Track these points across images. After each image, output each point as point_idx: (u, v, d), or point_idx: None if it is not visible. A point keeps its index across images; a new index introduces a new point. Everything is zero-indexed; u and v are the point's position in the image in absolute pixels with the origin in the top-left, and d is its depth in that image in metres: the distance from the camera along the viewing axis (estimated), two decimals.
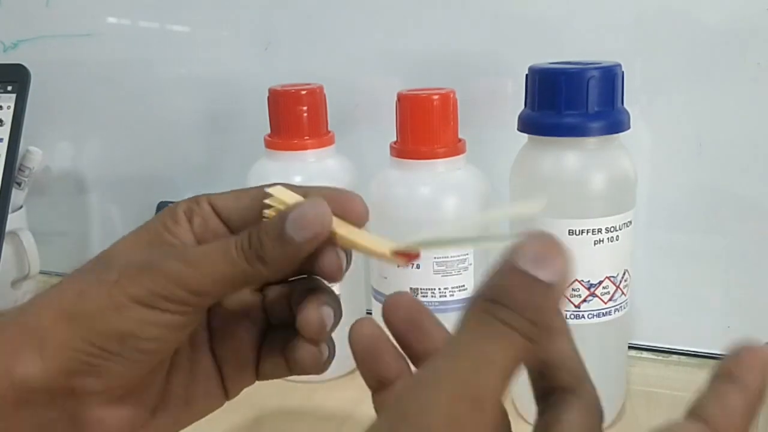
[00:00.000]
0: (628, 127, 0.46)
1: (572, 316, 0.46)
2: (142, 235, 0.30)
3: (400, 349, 0.27)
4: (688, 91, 0.55)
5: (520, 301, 0.20)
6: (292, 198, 0.28)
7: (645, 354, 0.60)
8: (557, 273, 0.20)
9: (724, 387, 0.22)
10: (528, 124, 0.47)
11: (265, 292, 0.32)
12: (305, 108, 0.54)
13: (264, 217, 0.29)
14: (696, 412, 0.23)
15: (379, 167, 0.52)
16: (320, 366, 0.30)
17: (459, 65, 0.59)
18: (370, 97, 0.63)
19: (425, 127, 0.49)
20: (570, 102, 0.44)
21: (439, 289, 0.49)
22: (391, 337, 0.27)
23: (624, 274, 0.47)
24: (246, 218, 0.30)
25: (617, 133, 0.45)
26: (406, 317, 0.27)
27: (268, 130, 0.55)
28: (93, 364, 0.27)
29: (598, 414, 0.24)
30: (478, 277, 0.50)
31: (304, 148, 0.54)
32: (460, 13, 0.59)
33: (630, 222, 0.46)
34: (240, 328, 0.31)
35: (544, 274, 0.20)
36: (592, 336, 0.47)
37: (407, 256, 0.27)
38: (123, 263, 0.28)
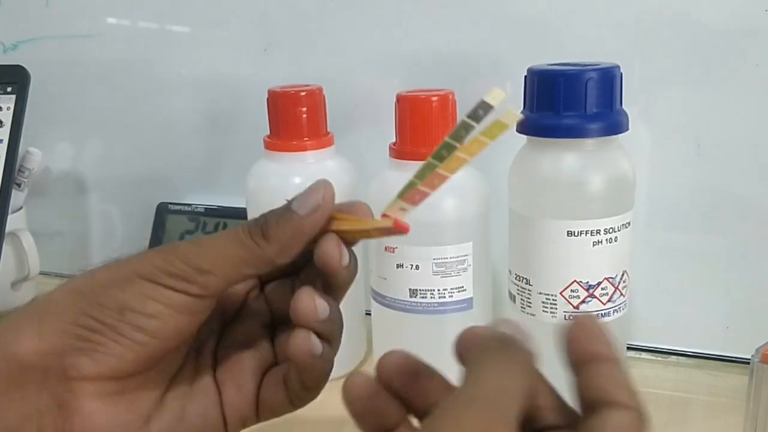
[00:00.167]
0: (627, 128, 0.46)
1: (571, 317, 0.46)
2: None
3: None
4: (687, 91, 0.55)
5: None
6: None
7: (644, 355, 0.60)
8: (527, 344, 0.25)
9: (596, 368, 0.25)
10: (527, 126, 0.47)
11: (276, 330, 0.33)
12: (304, 109, 0.54)
13: None
14: (603, 399, 0.24)
15: (379, 168, 0.52)
16: (313, 359, 0.29)
17: (458, 66, 0.59)
18: (370, 98, 0.64)
19: (424, 128, 0.49)
20: (569, 103, 0.44)
21: (438, 290, 0.49)
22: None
23: (623, 275, 0.47)
24: None
25: (616, 134, 0.45)
26: (401, 377, 0.27)
27: (268, 131, 0.56)
28: (89, 339, 0.27)
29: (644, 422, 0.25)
30: (477, 277, 0.50)
31: (304, 149, 0.54)
32: (459, 15, 0.59)
33: (629, 223, 0.46)
34: (245, 358, 0.32)
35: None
36: None
37: (396, 215, 0.28)
38: (137, 252, 0.29)
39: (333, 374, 0.30)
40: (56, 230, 0.78)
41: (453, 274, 0.49)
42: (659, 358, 0.59)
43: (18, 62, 0.62)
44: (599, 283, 0.46)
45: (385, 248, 0.50)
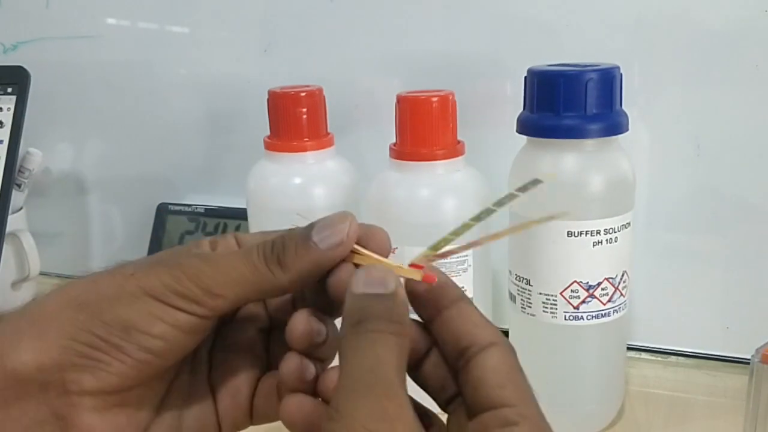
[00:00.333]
0: (627, 129, 0.46)
1: (571, 318, 0.46)
2: (164, 251, 0.30)
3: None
4: (687, 92, 0.55)
5: (375, 310, 0.25)
6: None
7: (644, 355, 0.60)
8: (388, 285, 0.25)
9: (448, 314, 0.27)
10: (527, 126, 0.47)
11: (271, 335, 0.32)
12: (305, 110, 0.54)
13: None
14: (469, 345, 0.26)
15: (379, 169, 0.53)
16: (304, 382, 0.28)
17: (458, 67, 0.60)
18: (370, 99, 0.64)
19: (424, 128, 0.49)
20: (569, 104, 0.44)
21: None
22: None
23: (623, 275, 0.47)
24: None
25: (616, 134, 0.45)
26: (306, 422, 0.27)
27: (268, 132, 0.56)
28: (91, 357, 0.26)
29: (515, 355, 0.26)
30: (477, 278, 0.50)
31: (304, 149, 0.54)
32: (459, 16, 0.59)
33: (629, 223, 0.46)
34: (239, 363, 0.31)
35: (374, 289, 0.25)
36: (591, 337, 0.47)
37: (423, 268, 0.27)
38: (141, 261, 0.28)
39: None
40: (56, 231, 0.79)
41: (453, 275, 0.49)
42: (659, 359, 0.59)
43: (18, 63, 0.62)
44: (599, 284, 0.46)
45: None
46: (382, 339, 0.24)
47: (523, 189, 0.27)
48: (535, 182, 0.27)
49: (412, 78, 0.61)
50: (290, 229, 0.28)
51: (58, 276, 0.77)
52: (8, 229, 0.61)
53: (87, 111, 0.76)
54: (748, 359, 0.44)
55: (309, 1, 0.63)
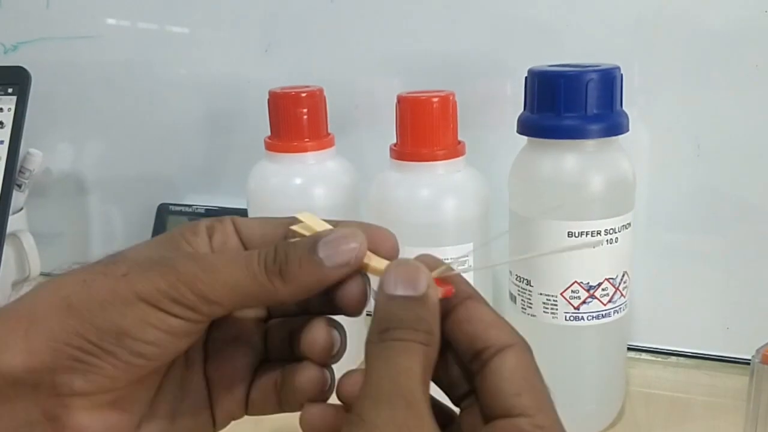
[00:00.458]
0: (627, 130, 0.46)
1: (571, 318, 0.46)
2: (159, 240, 0.29)
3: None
4: (687, 92, 0.55)
5: (403, 318, 0.24)
6: (321, 226, 0.27)
7: (644, 355, 0.60)
8: (418, 286, 0.25)
9: (464, 313, 0.26)
10: (527, 127, 0.47)
11: (268, 323, 0.31)
12: (305, 110, 0.54)
13: None
14: (487, 346, 0.25)
15: (379, 169, 0.53)
16: (324, 392, 0.29)
17: (458, 67, 0.60)
18: (370, 99, 0.64)
19: (425, 129, 0.49)
20: (569, 104, 0.44)
21: None
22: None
23: (623, 275, 0.47)
24: (268, 244, 0.28)
25: (616, 135, 0.45)
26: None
27: (269, 132, 0.56)
28: (83, 360, 0.25)
29: (531, 354, 0.26)
30: (478, 278, 0.50)
31: (304, 150, 0.54)
32: (459, 16, 0.59)
33: (629, 224, 0.46)
34: (236, 354, 0.30)
35: (406, 290, 0.25)
36: (591, 337, 0.47)
37: (444, 284, 0.26)
38: (134, 258, 0.27)
39: None
40: (57, 231, 0.79)
41: None
42: (659, 359, 0.59)
43: (19, 63, 0.62)
44: (600, 284, 0.46)
45: None
46: (409, 348, 0.24)
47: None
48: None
49: (412, 78, 0.61)
50: (294, 240, 0.27)
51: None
52: (9, 229, 0.61)
53: (87, 111, 0.76)
54: (749, 359, 0.44)
55: (309, 2, 0.63)
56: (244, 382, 0.30)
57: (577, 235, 0.45)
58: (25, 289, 0.68)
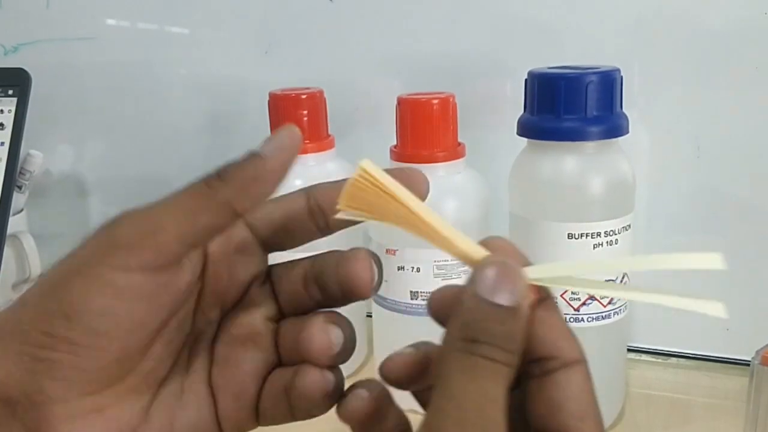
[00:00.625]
0: (627, 131, 0.46)
1: (571, 320, 0.46)
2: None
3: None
4: (687, 94, 0.55)
5: (495, 333, 0.22)
6: (383, 176, 0.24)
7: (644, 356, 0.60)
8: (517, 295, 0.22)
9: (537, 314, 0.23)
10: (527, 128, 0.47)
11: (280, 323, 0.29)
12: (305, 112, 0.54)
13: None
14: (553, 356, 0.23)
15: None
16: (326, 397, 0.27)
17: (459, 68, 0.60)
18: (370, 101, 0.64)
19: (425, 130, 0.49)
20: (569, 106, 0.44)
21: None
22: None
23: (623, 277, 0.47)
24: (275, 223, 0.28)
25: (616, 137, 0.46)
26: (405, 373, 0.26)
27: (269, 134, 0.55)
28: (43, 358, 0.23)
29: (591, 376, 0.24)
30: None
31: (305, 151, 0.54)
32: (459, 17, 0.59)
33: (629, 226, 0.46)
34: (245, 357, 0.28)
35: (505, 299, 0.22)
36: (591, 339, 0.47)
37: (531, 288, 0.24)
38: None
39: None
40: (57, 232, 0.78)
41: (454, 277, 0.49)
42: (659, 360, 0.60)
43: (19, 65, 0.62)
44: None
45: (386, 251, 0.50)
46: (497, 373, 0.22)
47: None
48: None
49: (412, 80, 0.61)
50: None
51: None
52: (9, 230, 0.61)
53: (87, 113, 0.76)
54: (749, 361, 0.44)
55: (310, 3, 0.63)
56: (253, 389, 0.28)
57: (577, 236, 0.45)
58: (26, 289, 0.68)
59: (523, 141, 0.48)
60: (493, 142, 0.58)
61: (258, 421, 0.28)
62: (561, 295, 0.46)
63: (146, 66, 0.71)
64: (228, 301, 0.28)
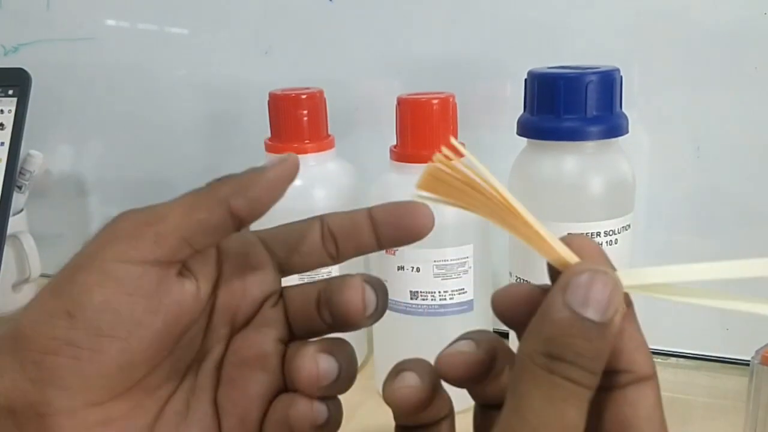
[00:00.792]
0: (627, 131, 0.46)
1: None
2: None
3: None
4: (686, 94, 0.55)
5: (583, 352, 0.20)
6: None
7: None
8: (610, 311, 0.20)
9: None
10: (527, 128, 0.47)
11: (289, 345, 0.28)
12: (305, 112, 0.54)
13: None
14: (628, 369, 0.22)
15: (379, 171, 0.53)
16: (316, 429, 0.26)
17: (458, 69, 0.60)
18: (370, 101, 0.64)
19: (425, 130, 0.49)
20: (569, 106, 0.44)
21: (439, 292, 0.49)
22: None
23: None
24: (291, 245, 0.28)
25: (616, 137, 0.46)
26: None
27: (269, 134, 0.56)
28: (47, 365, 0.23)
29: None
30: (478, 279, 0.50)
31: (305, 151, 0.54)
32: (459, 18, 0.59)
33: (629, 225, 0.46)
34: (252, 379, 0.27)
35: (598, 314, 0.20)
36: None
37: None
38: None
39: None
40: (57, 232, 0.78)
41: (453, 276, 0.49)
42: (659, 360, 0.59)
43: (19, 65, 0.62)
44: None
45: (386, 251, 0.50)
46: (579, 397, 0.20)
47: None
48: None
49: (412, 80, 0.61)
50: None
51: None
52: (9, 230, 0.61)
53: (88, 113, 0.76)
54: (748, 361, 0.44)
55: (310, 3, 0.63)
56: (258, 412, 0.27)
57: None
58: (26, 290, 0.68)
59: (523, 141, 0.48)
60: (493, 142, 0.58)
61: None
62: None
63: (146, 66, 0.71)
64: (239, 318, 0.28)
